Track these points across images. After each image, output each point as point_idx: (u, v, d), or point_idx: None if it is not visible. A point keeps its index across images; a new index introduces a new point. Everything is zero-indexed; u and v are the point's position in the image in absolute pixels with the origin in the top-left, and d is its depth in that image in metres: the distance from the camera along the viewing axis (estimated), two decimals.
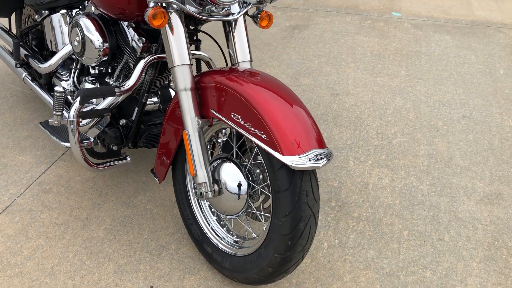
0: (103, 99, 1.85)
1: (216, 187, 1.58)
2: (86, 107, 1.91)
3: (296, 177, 1.38)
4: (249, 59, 1.72)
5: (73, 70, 2.14)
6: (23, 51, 2.40)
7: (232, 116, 1.47)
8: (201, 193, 1.56)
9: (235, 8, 1.70)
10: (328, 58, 3.42)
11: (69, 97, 2.13)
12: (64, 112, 1.75)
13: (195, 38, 1.85)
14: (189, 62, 1.57)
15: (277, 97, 1.44)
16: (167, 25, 1.54)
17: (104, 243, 1.88)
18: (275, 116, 1.38)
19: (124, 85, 1.71)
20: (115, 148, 1.92)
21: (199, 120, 1.55)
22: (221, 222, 1.78)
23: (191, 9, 1.57)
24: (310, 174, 1.41)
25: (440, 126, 2.66)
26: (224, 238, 1.73)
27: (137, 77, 1.72)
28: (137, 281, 1.73)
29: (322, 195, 2.14)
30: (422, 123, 2.69)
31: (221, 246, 1.70)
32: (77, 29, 1.87)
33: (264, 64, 3.33)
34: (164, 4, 1.51)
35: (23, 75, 2.40)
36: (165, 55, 1.73)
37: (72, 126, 1.61)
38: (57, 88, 1.60)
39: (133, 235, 1.93)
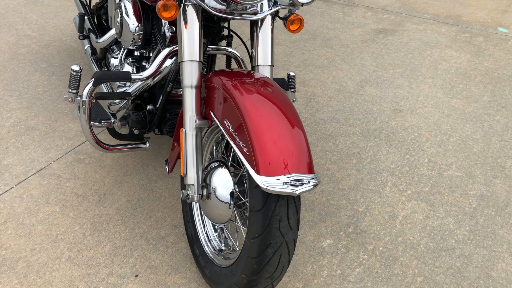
0: (132, 83, 1.87)
1: (205, 191, 1.52)
2: (122, 86, 1.94)
3: (271, 199, 1.27)
4: (270, 63, 1.62)
5: (122, 49, 2.20)
6: (88, 25, 2.51)
7: (224, 121, 1.40)
8: (187, 194, 1.51)
9: (265, 7, 1.60)
10: (405, 70, 3.15)
11: None
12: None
13: (224, 34, 1.78)
14: (198, 59, 1.51)
15: (271, 113, 1.32)
16: (182, 18, 1.49)
17: (110, 222, 1.93)
18: (261, 132, 1.28)
19: (143, 73, 1.71)
20: (136, 132, 1.94)
21: (197, 120, 1.50)
22: (216, 227, 1.72)
23: (211, 4, 1.50)
24: (288, 199, 1.29)
25: (508, 166, 2.32)
26: (213, 241, 1.67)
27: (157, 66, 1.70)
28: (126, 267, 1.74)
29: (341, 218, 1.98)
30: (487, 159, 2.36)
31: (207, 249, 1.65)
32: (118, 10, 1.90)
33: (333, 66, 3.16)
34: None
35: (86, 47, 2.52)
36: None
37: (84, 106, 1.64)
38: (74, 67, 1.64)
39: (139, 219, 1.95)
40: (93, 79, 1.62)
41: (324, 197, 2.10)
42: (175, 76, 1.80)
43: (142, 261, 1.77)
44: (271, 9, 1.58)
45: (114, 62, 2.23)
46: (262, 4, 1.59)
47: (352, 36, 3.59)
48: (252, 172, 1.25)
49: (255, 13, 1.57)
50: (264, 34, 1.61)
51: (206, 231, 1.71)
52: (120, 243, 1.84)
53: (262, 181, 1.22)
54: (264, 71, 1.61)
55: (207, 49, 1.76)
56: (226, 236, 1.69)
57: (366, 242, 1.89)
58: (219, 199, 1.49)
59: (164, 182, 2.15)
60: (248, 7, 1.55)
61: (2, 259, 1.75)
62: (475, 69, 3.19)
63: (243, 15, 1.55)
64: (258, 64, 1.61)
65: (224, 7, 1.52)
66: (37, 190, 2.07)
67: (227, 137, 1.38)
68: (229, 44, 1.89)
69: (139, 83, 1.82)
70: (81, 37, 2.53)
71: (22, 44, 3.30)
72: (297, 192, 1.23)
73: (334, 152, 2.37)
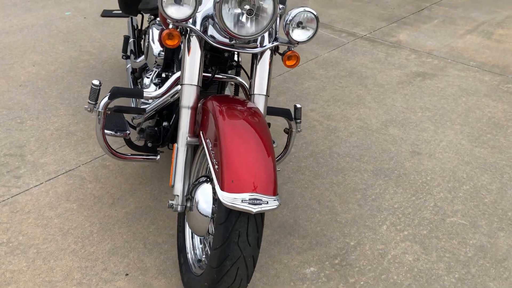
0: (152, 100, 2.07)
1: (189, 203, 1.67)
2: (145, 104, 2.14)
3: (232, 215, 1.40)
4: (265, 94, 1.76)
5: (153, 70, 2.44)
6: (131, 46, 2.79)
7: (207, 141, 1.55)
8: (172, 204, 1.66)
9: (265, 42, 1.75)
10: (435, 114, 3.15)
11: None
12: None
13: (231, 63, 1.94)
14: (196, 84, 1.68)
15: (245, 138, 1.46)
16: (186, 46, 1.68)
17: (116, 224, 2.12)
18: (231, 152, 1.41)
19: (154, 91, 1.91)
20: (149, 144, 2.13)
21: (189, 137, 1.66)
22: (200, 239, 1.85)
23: (215, 36, 1.67)
24: (249, 216, 1.41)
25: None
26: (196, 251, 1.80)
27: (167, 87, 1.89)
28: (120, 266, 1.91)
29: (331, 249, 2.04)
30: (496, 210, 2.32)
31: (189, 258, 1.78)
32: (147, 35, 2.14)
33: (362, 103, 3.23)
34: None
35: (128, 66, 2.79)
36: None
37: (99, 116, 1.86)
38: (94, 81, 1.86)
39: (142, 225, 2.12)
40: (109, 94, 1.84)
41: (319, 227, 2.17)
42: None
43: (135, 262, 1.94)
44: (269, 45, 1.72)
45: (146, 81, 2.47)
46: (263, 38, 1.74)
47: (389, 77, 3.64)
48: (217, 187, 1.38)
49: (255, 47, 1.73)
50: (262, 66, 1.76)
51: (193, 241, 1.85)
52: (120, 244, 2.02)
53: (223, 196, 1.35)
54: (259, 100, 1.75)
55: (215, 76, 1.93)
56: (208, 248, 1.81)
57: (349, 274, 1.93)
58: (200, 212, 1.63)
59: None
60: (249, 41, 1.71)
61: (18, 243, 1.99)
62: (510, 120, 3.13)
63: (244, 49, 1.70)
64: (254, 93, 1.76)
65: (227, 40, 1.69)
66: (62, 188, 2.32)
67: (207, 155, 1.52)
68: (237, 73, 2.05)
69: (156, 101, 2.02)
70: (124, 57, 2.82)
71: (82, 59, 3.67)
72: (254, 211, 1.34)
73: (341, 186, 2.44)
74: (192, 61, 1.68)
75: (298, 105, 2.08)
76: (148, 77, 2.49)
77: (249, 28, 1.61)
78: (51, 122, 2.84)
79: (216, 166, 1.43)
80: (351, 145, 2.79)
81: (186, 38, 1.69)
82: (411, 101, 3.31)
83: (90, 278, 1.86)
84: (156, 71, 2.40)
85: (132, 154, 2.07)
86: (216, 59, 1.85)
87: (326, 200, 2.34)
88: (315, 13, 1.70)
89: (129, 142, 2.14)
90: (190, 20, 1.65)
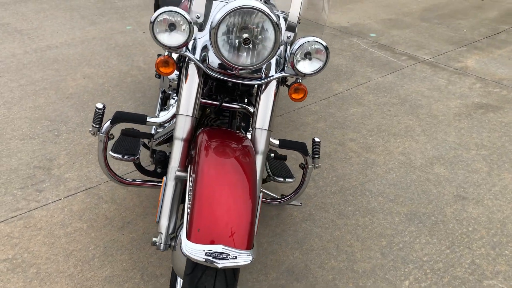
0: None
1: (173, 242, 1.55)
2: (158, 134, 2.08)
3: (198, 267, 1.26)
4: (267, 128, 1.61)
5: (170, 92, 2.38)
6: None
7: (191, 177, 1.43)
8: (155, 242, 1.56)
9: (271, 72, 1.61)
10: (491, 153, 2.80)
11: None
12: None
13: (238, 92, 1.82)
14: (192, 115, 1.57)
15: (225, 181, 1.32)
16: (183, 73, 1.58)
17: (120, 250, 2.06)
18: (204, 197, 1.28)
19: (157, 118, 1.83)
20: (159, 170, 2.06)
21: (177, 171, 1.55)
22: None
23: (214, 64, 1.56)
24: (217, 270, 1.26)
25: None
26: None
27: (171, 115, 1.80)
28: None
29: None
30: None
31: None
32: None
33: (409, 136, 2.95)
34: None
35: (161, 89, 2.77)
36: (204, 100, 1.75)
37: (101, 140, 1.81)
38: (98, 105, 1.82)
39: (144, 254, 2.05)
40: (111, 118, 1.79)
41: (332, 275, 1.97)
42: (198, 119, 1.89)
43: None
44: (275, 75, 1.58)
45: (171, 101, 2.42)
46: (270, 67, 1.60)
47: (446, 107, 3.32)
48: (183, 234, 1.25)
49: (260, 77, 1.59)
50: (267, 98, 1.61)
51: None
52: (118, 272, 1.95)
53: (186, 246, 1.22)
54: (260, 135, 1.61)
55: (223, 104, 1.81)
56: None
57: None
58: (182, 252, 1.51)
59: None
60: (253, 71, 1.57)
61: (22, 261, 1.99)
62: None
63: (246, 79, 1.57)
64: (256, 127, 1.62)
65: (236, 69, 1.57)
66: (77, 206, 2.31)
67: (187, 193, 1.40)
68: (250, 102, 1.91)
69: (165, 126, 1.95)
70: (156, 76, 2.79)
71: (131, 73, 3.73)
72: (219, 266, 1.20)
73: (366, 229, 2.21)
74: (189, 90, 1.58)
75: (317, 139, 1.90)
76: (173, 98, 2.43)
77: (246, 58, 1.47)
78: (85, 136, 2.88)
79: (189, 210, 1.30)
80: (388, 182, 2.54)
81: (185, 65, 1.59)
82: (466, 137, 2.98)
83: None
84: (170, 94, 2.34)
85: (136, 180, 2.00)
86: (223, 87, 1.73)
87: (345, 245, 2.12)
88: (324, 44, 1.53)
89: (138, 166, 2.08)
90: (189, 46, 1.55)
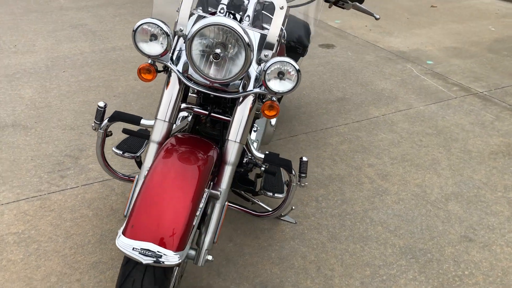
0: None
1: None
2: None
3: (131, 260, 1.35)
4: (239, 141, 1.67)
5: None
6: None
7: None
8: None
9: (249, 87, 1.67)
10: None
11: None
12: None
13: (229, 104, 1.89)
14: (168, 120, 1.68)
15: (169, 184, 1.41)
16: (166, 80, 1.70)
17: (113, 240, 2.22)
18: (145, 196, 1.38)
19: (152, 121, 1.95)
20: None
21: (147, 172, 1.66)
22: None
23: (195, 76, 1.65)
24: (147, 267, 1.34)
25: None
26: None
27: None
28: (93, 281, 2.00)
29: None
30: None
31: None
32: None
33: (432, 169, 2.84)
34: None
35: None
36: (196, 109, 1.85)
37: (99, 135, 1.97)
38: (100, 103, 1.98)
39: None
40: (109, 116, 1.95)
41: None
42: (191, 126, 1.99)
43: (107, 281, 1.99)
44: (248, 91, 1.64)
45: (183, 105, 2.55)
46: (249, 82, 1.66)
47: (484, 144, 3.14)
48: (120, 229, 1.35)
49: (236, 92, 1.66)
50: (242, 112, 1.68)
51: None
52: (105, 260, 2.10)
53: (119, 239, 1.32)
54: (231, 148, 1.68)
55: (211, 114, 1.90)
56: None
57: None
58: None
59: None
60: (230, 84, 1.65)
61: (27, 236, 2.21)
62: None
63: (221, 91, 1.65)
64: (228, 138, 1.69)
65: (208, 82, 1.66)
66: (90, 195, 2.51)
67: None
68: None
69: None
70: None
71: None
72: (144, 262, 1.28)
73: (354, 256, 2.17)
74: (169, 97, 1.69)
75: (305, 159, 1.93)
76: None
77: (218, 72, 1.55)
78: (117, 133, 3.10)
79: (130, 209, 1.40)
80: (393, 213, 2.47)
81: (168, 72, 1.70)
82: (496, 177, 2.80)
83: (62, 284, 1.97)
84: None
85: (131, 177, 2.14)
86: (210, 98, 1.82)
87: (327, 268, 2.10)
88: (297, 67, 1.57)
89: (139, 164, 2.23)
90: (174, 56, 1.66)
